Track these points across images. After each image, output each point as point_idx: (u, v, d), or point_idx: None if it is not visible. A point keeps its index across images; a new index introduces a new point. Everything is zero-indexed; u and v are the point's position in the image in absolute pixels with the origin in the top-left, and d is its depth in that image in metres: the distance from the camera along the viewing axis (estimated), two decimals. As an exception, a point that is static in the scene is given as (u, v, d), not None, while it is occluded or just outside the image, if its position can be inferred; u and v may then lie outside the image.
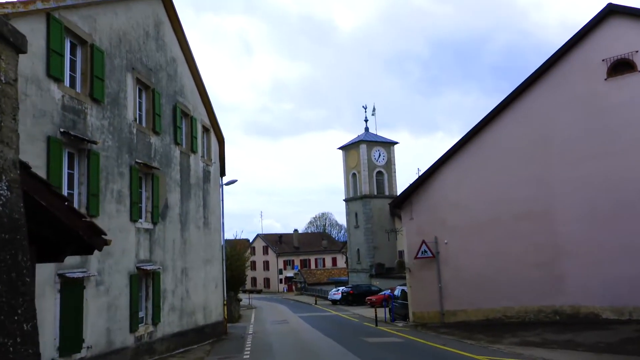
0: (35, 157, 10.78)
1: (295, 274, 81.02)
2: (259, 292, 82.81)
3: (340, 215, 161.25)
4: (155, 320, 16.06)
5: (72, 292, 11.84)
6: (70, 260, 11.81)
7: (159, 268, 16.45)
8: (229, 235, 59.12)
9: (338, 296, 47.32)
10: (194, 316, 19.40)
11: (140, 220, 15.62)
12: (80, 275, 11.98)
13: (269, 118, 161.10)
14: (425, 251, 23.01)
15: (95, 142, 12.89)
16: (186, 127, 20.23)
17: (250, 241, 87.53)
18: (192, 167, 20.32)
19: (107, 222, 13.54)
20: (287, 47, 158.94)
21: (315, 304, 50.11)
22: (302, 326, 26.24)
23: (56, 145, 11.48)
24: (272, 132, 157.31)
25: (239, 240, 52.29)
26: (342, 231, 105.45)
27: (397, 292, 28.70)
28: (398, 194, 52.75)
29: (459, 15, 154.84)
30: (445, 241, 22.93)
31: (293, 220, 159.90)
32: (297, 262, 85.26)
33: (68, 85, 12.47)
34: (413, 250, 23.54)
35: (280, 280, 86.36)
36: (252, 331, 24.72)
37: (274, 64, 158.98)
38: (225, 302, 23.95)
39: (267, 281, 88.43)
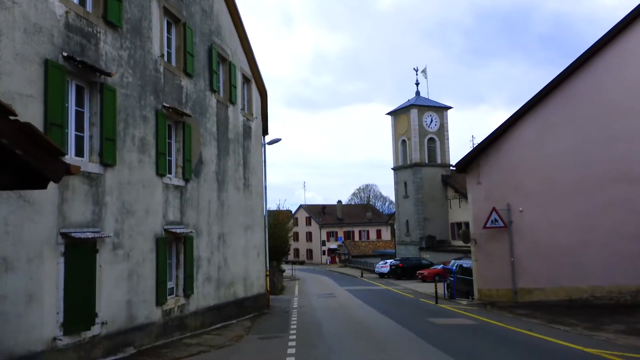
0: (27, 84, 8.43)
1: (339, 245, 78.95)
2: (302, 263, 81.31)
3: (384, 187, 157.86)
4: (188, 291, 13.83)
5: (80, 256, 9.58)
6: (79, 217, 9.53)
7: (192, 232, 14.14)
8: (271, 205, 57.29)
9: (386, 269, 44.76)
10: (232, 287, 17.17)
11: (168, 175, 13.27)
12: (91, 235, 9.70)
13: (310, 91, 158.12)
14: (496, 220, 19.94)
15: (109, 74, 10.45)
16: (224, 74, 17.69)
17: (293, 212, 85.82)
18: (231, 120, 17.84)
19: (127, 174, 11.21)
20: (328, 17, 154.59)
21: (362, 276, 47.76)
22: (352, 301, 23.79)
23: (56, 72, 9.07)
24: (312, 105, 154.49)
25: (282, 210, 50.17)
26: (387, 203, 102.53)
27: (450, 266, 25.90)
28: (451, 162, 49.39)
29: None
30: (520, 209, 19.77)
31: (335, 192, 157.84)
32: (340, 234, 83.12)
33: (76, 1, 10.03)
34: (480, 219, 20.50)
35: (323, 251, 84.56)
36: (297, 305, 22.46)
37: (315, 35, 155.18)
38: (267, 273, 21.71)
39: (309, 252, 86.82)
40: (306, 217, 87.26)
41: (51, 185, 9.17)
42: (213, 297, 15.57)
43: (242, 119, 19.05)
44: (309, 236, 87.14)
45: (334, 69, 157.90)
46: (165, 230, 12.76)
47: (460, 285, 23.81)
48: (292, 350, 11.22)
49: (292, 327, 15.24)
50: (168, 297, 12.91)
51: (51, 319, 8.79)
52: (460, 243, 43.70)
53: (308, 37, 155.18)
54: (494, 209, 19.90)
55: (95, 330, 9.94)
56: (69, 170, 3.68)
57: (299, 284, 38.45)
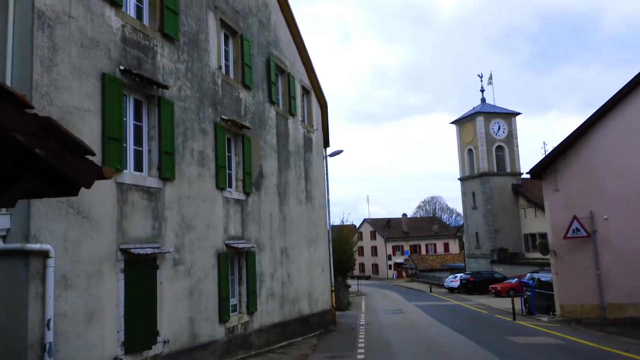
0: (84, 98, 8.31)
1: (405, 259, 77.13)
2: (367, 278, 79.99)
3: (450, 199, 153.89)
4: (251, 308, 13.42)
5: (141, 272, 9.35)
6: (138, 232, 9.31)
7: (254, 246, 13.78)
8: (334, 220, 56.76)
9: (456, 283, 42.95)
10: (297, 304, 16.66)
11: (229, 189, 12.99)
12: (151, 251, 9.46)
13: (370, 105, 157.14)
14: (578, 229, 18.38)
15: (166, 87, 10.29)
16: (282, 86, 17.41)
17: (357, 227, 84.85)
18: (291, 132, 17.49)
19: (186, 188, 10.98)
20: (386, 31, 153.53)
21: (430, 291, 46.10)
22: (422, 318, 22.68)
23: (114, 85, 8.95)
24: (373, 118, 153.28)
25: (346, 225, 49.45)
26: (454, 215, 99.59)
27: (527, 279, 24.21)
28: (522, 170, 47.06)
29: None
30: (605, 216, 18.16)
31: (399, 206, 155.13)
32: (406, 248, 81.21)
33: (132, 14, 9.97)
34: (560, 228, 19.01)
35: (389, 266, 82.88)
36: (364, 322, 21.64)
37: (374, 49, 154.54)
38: (333, 288, 21.07)
39: (375, 267, 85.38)
40: (371, 231, 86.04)
41: (110, 200, 9.05)
42: (277, 314, 15.10)
43: (302, 130, 18.68)
44: (374, 250, 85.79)
45: (395, 82, 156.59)
46: (227, 245, 12.44)
47: (539, 300, 22.16)
48: (360, 372, 10.50)
49: (359, 345, 14.48)
50: (231, 314, 12.54)
51: (112, 337, 8.55)
52: (535, 255, 41.30)
53: (367, 52, 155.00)
54: (575, 218, 18.37)
55: (157, 349, 9.65)
56: (101, 173, 3.22)
57: (365, 300, 37.52)
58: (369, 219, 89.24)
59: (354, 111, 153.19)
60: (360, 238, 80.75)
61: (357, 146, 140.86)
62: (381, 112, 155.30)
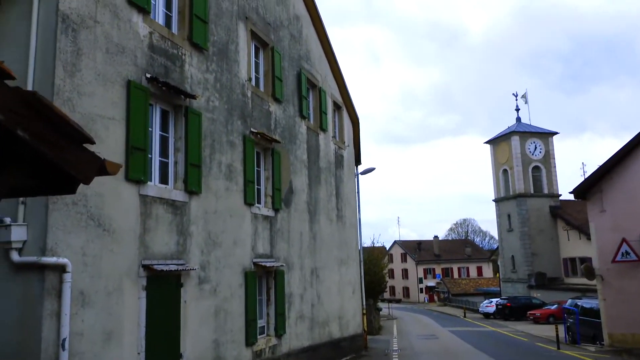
0: (108, 105, 7.95)
1: (437, 283, 75.17)
2: (398, 301, 78.23)
3: (483, 222, 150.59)
4: (279, 331, 12.77)
5: (164, 290, 8.85)
6: (162, 247, 8.84)
7: (283, 265, 13.18)
8: (364, 241, 55.63)
9: (491, 309, 41.32)
10: (327, 327, 15.92)
11: (257, 204, 12.48)
12: (175, 268, 8.95)
13: (400, 126, 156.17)
14: (627, 252, 17.21)
15: (194, 97, 9.90)
16: (314, 100, 16.97)
17: (387, 249, 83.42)
18: (322, 148, 16.97)
19: (213, 203, 10.51)
20: (415, 53, 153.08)
21: (464, 316, 44.46)
22: (458, 344, 21.56)
23: (139, 93, 8.59)
24: (403, 140, 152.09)
25: (376, 247, 48.39)
26: (487, 238, 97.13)
27: (569, 306, 22.87)
28: (560, 192, 45.42)
29: (600, 4, 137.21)
30: (657, 239, 16.93)
31: (431, 228, 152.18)
32: (438, 271, 79.25)
33: (160, 22, 9.67)
34: (607, 251, 17.86)
35: (421, 289, 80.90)
36: (396, 347, 20.67)
37: (403, 71, 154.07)
38: (364, 311, 20.24)
39: (406, 290, 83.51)
40: (401, 254, 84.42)
41: (132, 213, 8.62)
42: (307, 337, 14.40)
43: (333, 147, 18.15)
44: (404, 273, 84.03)
45: (424, 104, 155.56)
46: (255, 263, 11.88)
47: (583, 328, 20.82)
48: (396, 403, 9.69)
49: (393, 373, 13.63)
50: (258, 337, 11.91)
51: (132, 359, 8.02)
52: (576, 281, 39.50)
53: (396, 74, 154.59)
54: (624, 240, 17.23)
55: (180, 372, 9.07)
56: (103, 167, 2.69)
57: (397, 324, 36.32)
58: (400, 241, 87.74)
59: (384, 133, 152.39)
60: (391, 260, 79.25)
61: (388, 168, 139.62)
62: (411, 134, 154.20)
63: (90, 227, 7.49)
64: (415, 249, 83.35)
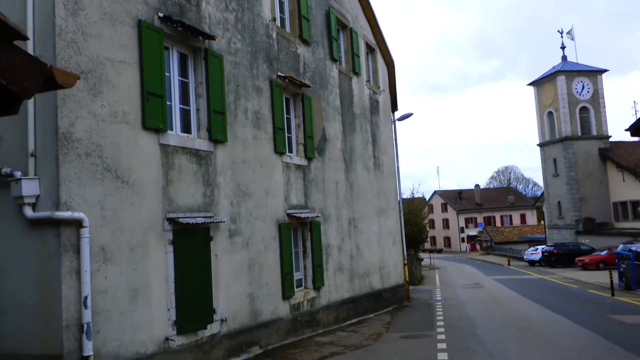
0: (118, 48, 7.31)
1: (479, 232, 74.05)
2: (439, 251, 77.74)
3: (527, 169, 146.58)
4: (318, 283, 12.32)
5: (192, 244, 8.39)
6: (187, 200, 8.33)
7: (318, 216, 12.60)
8: (403, 192, 54.67)
9: (537, 256, 40.23)
10: (367, 278, 15.43)
11: (288, 153, 11.83)
12: (203, 220, 8.46)
13: (437, 75, 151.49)
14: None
15: (213, 38, 9.14)
16: (345, 42, 15.93)
17: (427, 200, 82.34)
18: (356, 93, 16.04)
19: (240, 152, 9.90)
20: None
21: (508, 264, 43.57)
22: (505, 293, 20.87)
23: (152, 34, 7.90)
24: (441, 89, 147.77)
25: (415, 198, 47.46)
26: (531, 185, 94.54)
27: (621, 251, 21.65)
28: (610, 133, 43.06)
29: None
30: None
31: (471, 177, 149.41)
32: (480, 220, 78.03)
33: (171, -43, 8.84)
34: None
35: (462, 239, 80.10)
36: (440, 297, 20.14)
37: (439, 18, 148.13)
38: (405, 261, 19.68)
39: (447, 240, 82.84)
40: (441, 204, 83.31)
41: (153, 164, 8.08)
42: (346, 289, 13.95)
43: (367, 91, 17.18)
44: (445, 223, 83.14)
45: (462, 49, 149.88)
46: (288, 214, 11.33)
47: (639, 273, 19.70)
48: (443, 356, 9.14)
49: (438, 323, 13.09)
50: (296, 290, 11.50)
51: (162, 316, 7.66)
52: (627, 225, 37.89)
53: (431, 20, 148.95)
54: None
55: (214, 328, 8.72)
56: (51, 77, 2.00)
57: (439, 273, 35.84)
58: (440, 191, 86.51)
59: (421, 82, 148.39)
60: (431, 211, 78.33)
61: (425, 118, 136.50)
62: (449, 82, 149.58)
63: (108, 180, 7.00)
64: (456, 199, 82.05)
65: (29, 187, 6.35)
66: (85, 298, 6.36)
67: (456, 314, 14.95)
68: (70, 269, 6.36)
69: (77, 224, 6.42)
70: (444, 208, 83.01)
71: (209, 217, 8.81)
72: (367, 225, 15.78)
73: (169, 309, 7.80)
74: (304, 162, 12.36)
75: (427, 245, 69.71)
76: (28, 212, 6.39)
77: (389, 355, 9.48)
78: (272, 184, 10.91)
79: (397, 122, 20.29)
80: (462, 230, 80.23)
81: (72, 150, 6.55)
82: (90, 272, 6.50)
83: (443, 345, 10.14)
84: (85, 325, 6.32)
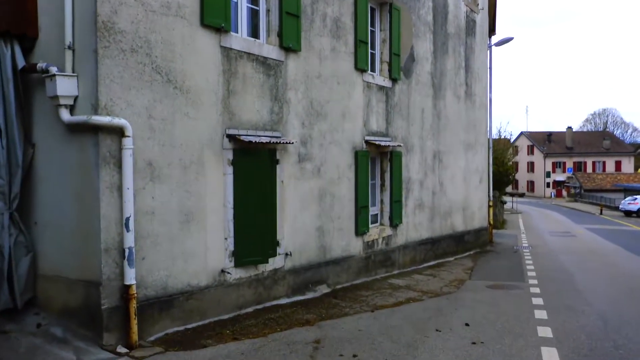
0: None
1: (567, 177, 69.35)
2: (522, 195, 73.63)
3: (627, 113, 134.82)
4: (395, 220, 11.07)
5: (255, 166, 7.30)
6: (251, 115, 7.17)
7: (400, 146, 11.16)
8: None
9: (635, 206, 36.79)
10: (449, 218, 13.99)
11: (371, 72, 10.31)
12: (268, 140, 7.31)
13: (529, 5, 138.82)
14: None
15: None
16: (442, -53, 13.70)
17: (512, 141, 77.63)
18: (451, 9, 13.95)
19: (316, 65, 8.53)
20: None
21: (601, 213, 40.24)
22: (602, 244, 18.74)
23: None
24: (533, 21, 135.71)
25: (500, 138, 44.24)
26: (630, 131, 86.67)
27: None
28: None
29: None
30: None
31: (562, 119, 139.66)
32: (569, 165, 72.87)
33: None
34: None
35: (547, 184, 75.52)
36: (527, 244, 18.39)
37: None
38: (490, 203, 17.95)
39: (530, 184, 78.46)
40: (528, 146, 78.28)
41: (212, 69, 6.84)
42: (426, 229, 12.63)
43: (464, 9, 14.97)
44: (530, 166, 78.46)
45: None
46: (367, 141, 9.98)
47: None
48: (541, 314, 7.74)
49: (529, 274, 11.58)
50: (370, 226, 10.32)
51: (218, 245, 6.75)
52: None
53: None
54: None
55: (277, 262, 7.77)
56: None
57: (522, 218, 33.56)
58: (527, 132, 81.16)
59: (510, 13, 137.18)
60: (516, 153, 73.96)
61: (514, 52, 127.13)
62: (542, 14, 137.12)
63: (157, 84, 5.92)
64: (545, 141, 76.82)
65: (65, 86, 5.38)
66: (127, 219, 5.46)
67: (549, 264, 13.30)
68: (111, 185, 5.44)
69: (119, 132, 5.44)
70: (530, 150, 78.08)
71: (276, 137, 7.64)
72: (453, 160, 14.15)
73: (226, 238, 6.86)
74: (387, 83, 10.80)
75: (509, 189, 66.31)
76: (64, 115, 5.47)
77: (475, 307, 8.19)
78: (350, 105, 9.53)
79: (494, 46, 17.94)
80: (548, 174, 75.51)
81: (114, 44, 5.46)
82: (133, 190, 5.57)
83: (539, 301, 8.71)
84: (127, 250, 5.46)
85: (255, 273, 7.35)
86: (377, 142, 10.14)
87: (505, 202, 34.21)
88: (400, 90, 11.35)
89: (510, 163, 40.40)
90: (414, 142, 11.94)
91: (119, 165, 5.48)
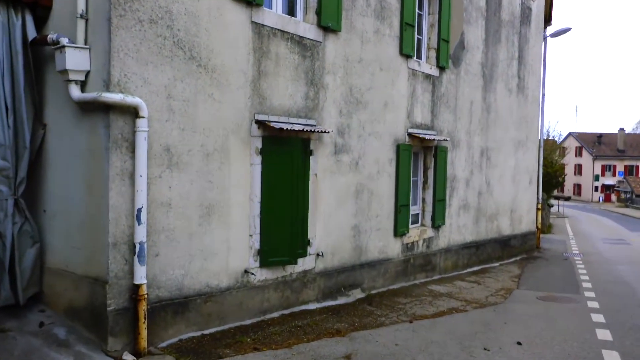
0: None
1: (618, 181, 66.20)
2: (567, 199, 70.77)
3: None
4: (437, 221, 10.21)
5: (286, 157, 6.61)
6: (284, 100, 6.48)
7: (446, 140, 10.28)
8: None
9: (694, 215, 34.36)
10: (495, 221, 12.99)
11: (417, 59, 9.47)
12: (302, 127, 6.60)
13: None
14: None
15: None
16: None
17: (559, 142, 74.66)
18: (505, -5, 12.91)
19: (357, 47, 7.77)
20: None
21: (655, 221, 37.95)
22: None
23: None
24: (587, 12, 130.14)
25: (548, 139, 42.26)
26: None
27: None
28: None
29: None
30: None
31: (613, 121, 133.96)
32: (620, 168, 69.53)
33: None
34: None
35: (595, 187, 72.33)
36: (577, 251, 17.13)
37: None
38: (539, 206, 16.77)
39: (577, 187, 75.39)
40: (576, 147, 75.12)
41: (241, 46, 5.74)
42: (470, 232, 11.70)
43: (519, -5, 13.88)
44: (577, 169, 75.33)
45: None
46: (410, 134, 9.16)
47: None
48: (604, 334, 6.81)
49: (584, 285, 10.53)
50: (410, 227, 9.50)
51: (242, 243, 6.10)
52: None
53: None
54: None
55: (308, 263, 7.08)
56: None
57: (569, 223, 31.85)
58: (575, 133, 77.92)
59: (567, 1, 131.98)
60: (563, 154, 71.11)
61: (565, 46, 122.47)
62: (597, 4, 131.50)
63: (179, 60, 5.29)
64: (594, 143, 73.58)
65: (76, 59, 4.81)
66: (139, 210, 4.86)
67: (605, 275, 12.15)
68: (122, 171, 4.85)
69: (133, 112, 4.83)
70: (578, 152, 74.95)
71: (311, 125, 6.93)
72: (502, 159, 13.12)
73: (251, 235, 6.21)
74: (434, 71, 9.93)
75: (554, 192, 63.74)
76: (74, 92, 4.90)
77: (527, 323, 7.30)
78: (394, 94, 8.72)
79: (549, 37, 16.72)
80: (596, 178, 72.31)
81: (131, 12, 4.85)
82: (148, 178, 4.97)
83: (599, 318, 7.73)
84: (137, 246, 4.87)
85: (282, 275, 6.68)
86: (421, 135, 9.29)
87: (552, 206, 32.60)
88: (448, 80, 10.45)
89: (560, 164, 38.58)
90: (460, 137, 11.02)
91: (132, 149, 4.88)
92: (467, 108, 11.21)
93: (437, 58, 9.99)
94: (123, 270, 4.88)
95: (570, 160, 75.33)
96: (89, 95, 4.76)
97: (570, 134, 77.68)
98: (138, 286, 4.88)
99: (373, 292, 8.32)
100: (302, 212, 6.91)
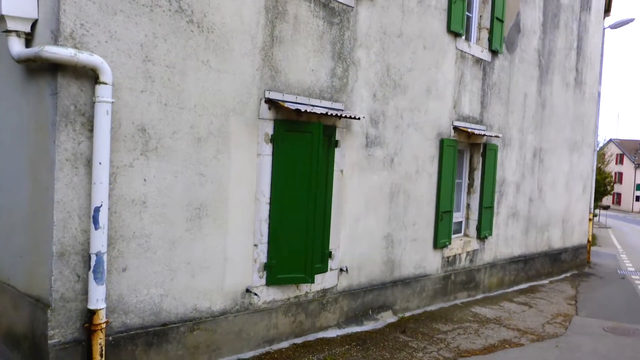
0: None
1: (662, 192, 62.75)
2: (606, 208, 67.75)
3: None
4: (484, 231, 8.68)
5: (305, 147, 5.23)
6: (302, 75, 5.10)
7: (498, 137, 8.74)
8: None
9: None
10: (546, 232, 11.36)
11: (466, 40, 7.99)
12: (326, 111, 5.22)
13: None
14: None
15: None
16: None
17: (599, 147, 71.31)
18: (565, -26, 11.28)
19: (397, 19, 6.34)
20: None
21: None
22: None
23: None
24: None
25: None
26: None
27: None
28: None
29: None
30: None
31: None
32: (664, 178, 66.05)
33: None
34: None
35: (637, 197, 68.93)
36: (632, 267, 15.28)
37: None
38: (591, 216, 15.00)
39: (617, 197, 71.97)
40: (617, 154, 71.71)
41: (250, 4, 3.91)
42: (518, 244, 10.14)
43: (580, -23, 12.21)
44: (618, 177, 71.89)
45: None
46: (456, 127, 7.69)
47: None
48: None
49: (656, 313, 8.88)
50: (452, 237, 8.03)
51: (243, 254, 4.76)
52: None
53: None
54: None
55: (329, 280, 5.69)
56: None
57: (614, 234, 29.64)
58: (617, 139, 74.49)
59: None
60: (603, 161, 67.95)
61: (610, 42, 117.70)
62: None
63: (162, 11, 3.98)
64: (636, 150, 70.16)
65: (16, 2, 3.54)
66: (97, 209, 3.56)
67: (677, 300, 10.43)
68: (74, 155, 3.56)
69: (91, 76, 3.53)
70: (619, 159, 71.55)
71: (337, 109, 5.55)
72: (556, 162, 11.49)
73: (255, 245, 4.86)
74: (486, 55, 8.43)
75: (600, 200, 60.87)
76: (15, 46, 3.63)
77: (599, 365, 5.78)
78: (438, 79, 7.27)
79: (607, 30, 14.94)
80: (638, 187, 68.88)
81: (94, -59, 3.56)
82: (113, 167, 3.66)
83: (690, 361, 6.15)
84: (94, 257, 3.57)
85: (295, 295, 5.31)
86: (469, 130, 7.81)
87: (596, 215, 30.47)
88: (501, 66, 8.92)
89: (608, 172, 36.29)
90: (512, 134, 9.48)
91: (91, 127, 3.58)
92: (520, 101, 9.65)
93: (490, 40, 8.48)
94: (73, 289, 3.60)
95: (610, 168, 72.06)
96: (32, 50, 3.48)
97: (611, 140, 74.30)
98: (94, 312, 3.59)
99: (407, 314, 6.89)
100: (323, 217, 5.51)
